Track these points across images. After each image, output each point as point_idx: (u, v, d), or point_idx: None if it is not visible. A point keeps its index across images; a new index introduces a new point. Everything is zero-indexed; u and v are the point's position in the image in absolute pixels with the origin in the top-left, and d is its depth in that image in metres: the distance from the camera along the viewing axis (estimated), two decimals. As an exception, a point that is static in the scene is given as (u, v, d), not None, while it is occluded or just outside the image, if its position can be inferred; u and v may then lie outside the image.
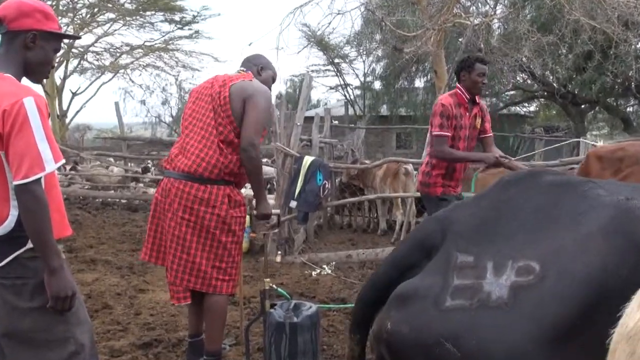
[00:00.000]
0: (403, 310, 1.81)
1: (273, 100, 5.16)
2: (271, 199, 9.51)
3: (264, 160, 12.62)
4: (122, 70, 25.22)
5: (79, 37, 2.77)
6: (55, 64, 2.30)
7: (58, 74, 23.42)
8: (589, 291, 1.57)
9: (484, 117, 4.48)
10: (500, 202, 1.94)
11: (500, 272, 1.72)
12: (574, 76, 17.42)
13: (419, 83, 23.30)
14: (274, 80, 3.61)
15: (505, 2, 16.48)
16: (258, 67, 3.53)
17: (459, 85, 4.37)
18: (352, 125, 18.10)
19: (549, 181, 1.93)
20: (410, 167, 8.12)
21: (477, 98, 4.41)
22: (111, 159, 14.40)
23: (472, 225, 1.92)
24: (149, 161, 14.36)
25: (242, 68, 3.54)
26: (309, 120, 10.53)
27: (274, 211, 3.61)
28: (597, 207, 1.73)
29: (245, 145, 3.24)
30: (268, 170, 15.02)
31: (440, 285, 1.82)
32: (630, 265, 1.57)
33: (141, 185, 12.85)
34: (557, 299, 1.59)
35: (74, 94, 25.29)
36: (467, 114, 4.33)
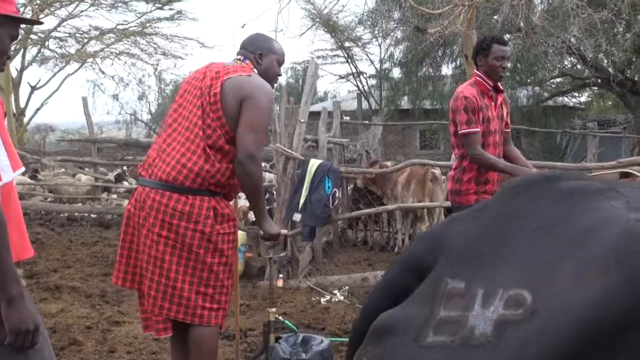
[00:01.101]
0: (380, 345, 1.84)
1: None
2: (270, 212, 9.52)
3: (262, 164, 12.64)
4: (90, 60, 25.37)
5: (41, 22, 2.75)
6: (11, 54, 2.29)
7: (14, 65, 23.58)
8: (581, 332, 1.60)
9: (507, 108, 4.58)
10: (503, 215, 1.97)
11: (488, 303, 1.75)
12: (634, 59, 17.38)
13: (447, 70, 23.35)
14: (280, 63, 3.57)
15: (549, -29, 16.51)
16: (256, 53, 3.49)
17: (477, 71, 4.42)
18: (367, 121, 18.11)
19: (565, 189, 1.96)
20: (437, 171, 8.12)
21: (500, 85, 4.46)
22: (79, 166, 14.47)
23: (468, 243, 1.95)
24: (124, 167, 14.43)
25: (238, 57, 3.52)
26: (314, 116, 10.53)
27: (282, 231, 3.63)
28: (606, 226, 1.76)
29: (243, 158, 3.24)
30: (266, 176, 15.05)
31: (424, 317, 1.86)
32: (627, 303, 1.59)
33: (114, 196, 12.90)
34: (544, 339, 1.62)
35: (33, 88, 25.48)
36: (493, 103, 4.39)
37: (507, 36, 20.52)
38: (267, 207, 11.03)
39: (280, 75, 3.61)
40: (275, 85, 3.68)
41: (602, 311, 1.63)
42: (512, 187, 2.06)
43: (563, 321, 1.64)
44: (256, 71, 3.44)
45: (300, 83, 34.21)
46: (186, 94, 3.42)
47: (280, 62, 3.57)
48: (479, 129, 4.26)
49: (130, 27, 24.31)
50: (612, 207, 1.82)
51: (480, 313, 1.76)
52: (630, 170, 4.38)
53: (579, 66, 19.87)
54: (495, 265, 1.85)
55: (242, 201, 11.10)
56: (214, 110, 3.28)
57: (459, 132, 4.30)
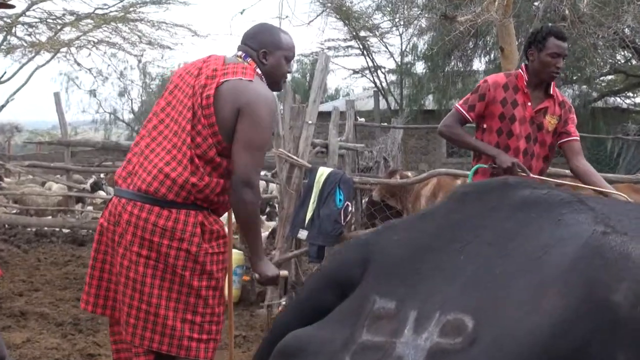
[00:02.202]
0: None
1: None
2: (271, 229, 9.52)
3: (262, 173, 12.67)
4: (64, 49, 25.44)
5: (12, 6, 2.72)
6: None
7: (-24, 55, 23.69)
8: None
9: (567, 116, 4.49)
10: (449, 226, 1.97)
11: (422, 328, 1.73)
12: (698, 54, 17.34)
13: (479, 65, 23.35)
14: (288, 59, 3.52)
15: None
16: (259, 51, 3.44)
17: (523, 65, 4.44)
18: (385, 123, 18.14)
19: (522, 198, 1.96)
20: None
21: (552, 87, 4.42)
22: (49, 172, 14.53)
23: (403, 256, 1.95)
24: (101, 175, 14.48)
25: (239, 53, 3.47)
26: (324, 117, 10.54)
27: (282, 273, 3.64)
28: (567, 242, 1.75)
29: (237, 183, 3.24)
30: (268, 187, 15.06)
31: (342, 340, 1.85)
32: (587, 328, 1.56)
33: (90, 208, 12.96)
34: None
35: (-2, 82, 25.61)
36: (528, 103, 4.37)
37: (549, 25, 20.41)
38: (269, 223, 11.00)
39: (290, 72, 3.58)
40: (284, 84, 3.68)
41: (556, 339, 1.58)
42: (462, 192, 2.06)
43: (508, 352, 1.58)
44: (260, 72, 3.41)
45: (308, 78, 34.24)
46: (177, 91, 3.40)
47: (289, 58, 3.52)
48: (464, 113, 4.41)
49: (111, 11, 24.37)
50: (576, 222, 1.80)
51: (411, 340, 1.71)
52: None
53: (633, 61, 19.84)
54: (434, 283, 1.82)
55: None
56: (205, 116, 3.26)
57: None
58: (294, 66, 34.09)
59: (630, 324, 1.52)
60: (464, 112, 4.42)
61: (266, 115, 3.28)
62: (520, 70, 4.43)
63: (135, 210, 3.25)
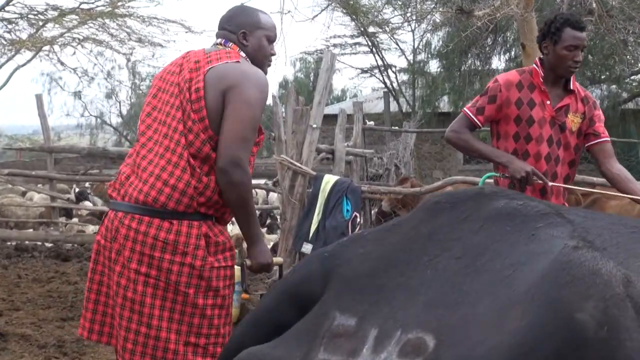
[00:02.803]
0: None
1: (274, 90, 5.17)
2: (274, 241, 9.52)
3: (262, 182, 12.66)
4: (46, 48, 25.52)
5: None
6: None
7: (-49, 54, 23.75)
8: None
9: (592, 114, 4.33)
10: (416, 238, 2.00)
11: (381, 347, 1.76)
12: None
13: (498, 63, 23.37)
14: (270, 39, 3.52)
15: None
16: (238, 33, 3.45)
17: (537, 59, 4.30)
18: (396, 127, 18.14)
19: (496, 210, 1.98)
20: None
21: (572, 82, 4.28)
22: (31, 181, 14.55)
23: (367, 270, 1.97)
24: (87, 184, 14.50)
25: (218, 40, 3.49)
26: (330, 120, 10.54)
27: (275, 259, 3.60)
28: (538, 258, 1.76)
29: (224, 164, 3.22)
30: (269, 197, 15.05)
31: (298, 359, 1.87)
32: (551, 349, 1.57)
33: (75, 220, 12.96)
34: None
35: (-25, 84, 25.67)
36: (547, 102, 4.23)
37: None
38: (270, 236, 11.00)
39: (273, 54, 3.57)
40: (279, 80, 3.68)
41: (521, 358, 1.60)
42: (434, 202, 2.07)
43: None
44: (244, 55, 3.42)
45: (312, 78, 34.27)
46: (161, 94, 3.40)
47: (271, 39, 3.52)
48: (472, 116, 4.26)
49: (97, 6, 24.42)
50: (550, 236, 1.81)
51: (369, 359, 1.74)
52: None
53: (667, 59, 19.82)
54: (398, 299, 1.84)
55: (237, 227, 11.05)
56: (195, 110, 3.26)
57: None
58: (297, 65, 34.25)
59: (596, 344, 1.53)
60: (472, 116, 4.27)
61: (255, 91, 3.27)
62: (534, 65, 4.27)
63: (134, 223, 3.23)
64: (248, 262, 3.45)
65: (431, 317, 1.73)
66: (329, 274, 1.97)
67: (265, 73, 3.55)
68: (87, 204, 13.37)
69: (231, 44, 3.44)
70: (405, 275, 1.87)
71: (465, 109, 4.33)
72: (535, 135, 4.21)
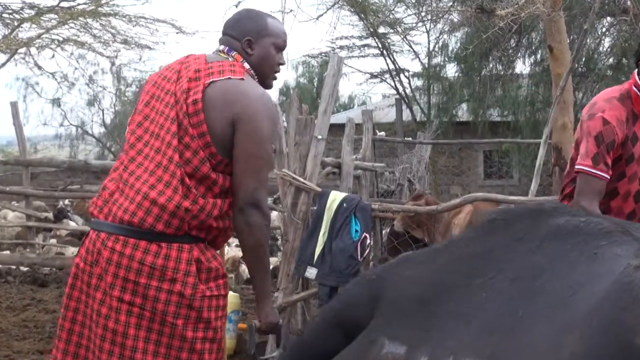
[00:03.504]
0: None
1: (275, 97, 5.17)
2: (274, 264, 9.51)
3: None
4: (22, 50, 25.60)
5: None
6: None
7: None
8: None
9: None
10: (470, 259, 2.02)
11: None
12: None
13: (522, 67, 23.43)
14: (279, 48, 3.52)
15: None
16: (243, 40, 3.45)
17: (636, 79, 4.01)
18: (410, 138, 18.16)
19: (556, 227, 1.99)
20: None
21: None
22: (4, 198, 14.55)
23: (417, 294, 2.00)
24: (67, 201, 14.50)
25: (221, 47, 3.50)
26: (336, 130, 10.56)
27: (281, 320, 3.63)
28: (600, 279, 1.77)
29: (244, 204, 3.27)
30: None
31: None
32: None
33: (53, 241, 12.95)
34: None
35: (-57, 90, 25.71)
36: None
37: (608, 20, 20.55)
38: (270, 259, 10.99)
39: (282, 64, 3.58)
40: (280, 86, 3.68)
41: None
42: (488, 220, 2.09)
43: None
44: (247, 66, 3.43)
45: (317, 84, 34.37)
46: (154, 101, 3.40)
47: (280, 47, 3.52)
48: (605, 176, 3.88)
49: (79, 4, 24.50)
50: (614, 255, 1.82)
51: None
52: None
53: None
54: (449, 325, 1.86)
55: (233, 249, 11.04)
56: (194, 125, 3.25)
57: (576, 165, 3.98)
58: (299, 69, 34.31)
59: None
60: (600, 174, 3.88)
61: (267, 123, 3.31)
62: (634, 87, 4.00)
63: (118, 245, 3.22)
64: (257, 322, 3.48)
65: (485, 344, 1.75)
66: (376, 298, 2.00)
67: (270, 86, 3.58)
68: (68, 223, 13.36)
69: (235, 53, 3.45)
70: (457, 299, 1.89)
71: (590, 170, 3.88)
72: (630, 172, 4.03)
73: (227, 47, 3.47)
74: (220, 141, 3.26)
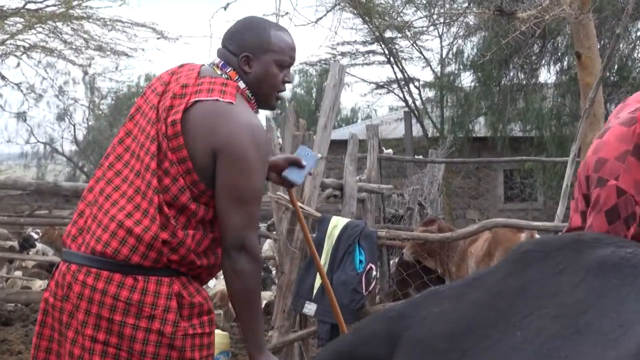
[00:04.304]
0: None
1: (267, 111, 5.17)
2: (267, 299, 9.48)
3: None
4: (-16, 58, 25.69)
5: None
6: None
7: None
8: None
9: None
10: (505, 293, 2.03)
11: None
12: None
13: (547, 76, 23.50)
14: (282, 65, 3.45)
15: None
16: (240, 56, 3.41)
17: None
18: (420, 156, 18.19)
19: (601, 259, 2.00)
20: (537, 237, 8.10)
21: None
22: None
23: (445, 331, 2.01)
24: (33, 229, 14.48)
25: (216, 60, 3.46)
26: (338, 147, 10.57)
27: None
28: None
29: (229, 248, 3.26)
30: (263, 245, 15.01)
31: None
32: None
33: (18, 273, 12.94)
34: None
35: None
36: None
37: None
38: (263, 293, 10.98)
39: (287, 82, 3.53)
40: (279, 101, 3.64)
41: None
42: (523, 251, 2.10)
43: None
44: (243, 86, 3.39)
45: (315, 95, 34.45)
46: (139, 116, 3.40)
47: (283, 64, 3.46)
48: None
49: (47, 6, 24.58)
50: None
51: None
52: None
53: None
54: None
55: (222, 282, 11.01)
56: (173, 149, 3.24)
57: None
58: (297, 78, 34.38)
59: None
60: None
61: (254, 153, 3.24)
62: None
63: (90, 279, 3.22)
64: None
65: None
66: (397, 336, 2.00)
67: (272, 107, 3.57)
68: (36, 253, 13.35)
69: (230, 69, 3.41)
70: (491, 338, 1.90)
71: None
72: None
73: (222, 62, 3.44)
74: (204, 169, 3.24)
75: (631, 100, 3.94)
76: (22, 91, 28.20)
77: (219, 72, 3.41)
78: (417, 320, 2.08)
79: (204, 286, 3.54)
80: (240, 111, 3.29)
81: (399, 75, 27.42)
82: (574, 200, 3.71)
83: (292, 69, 3.57)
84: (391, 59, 27.00)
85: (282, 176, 3.85)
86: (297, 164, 3.85)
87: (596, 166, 3.55)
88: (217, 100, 3.26)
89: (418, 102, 27.51)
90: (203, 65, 3.47)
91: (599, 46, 11.34)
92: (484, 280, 2.10)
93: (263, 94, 3.44)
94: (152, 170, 3.24)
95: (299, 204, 6.81)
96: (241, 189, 3.25)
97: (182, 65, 3.48)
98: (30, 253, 13.70)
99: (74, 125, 36.94)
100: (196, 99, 3.26)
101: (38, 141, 36.64)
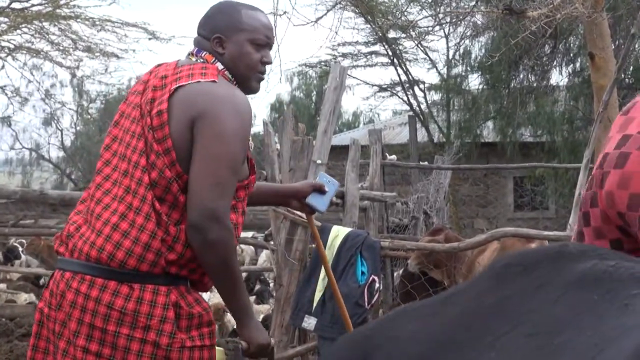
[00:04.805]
0: None
1: (265, 114, 5.18)
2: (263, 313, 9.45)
3: (250, 235, 12.65)
4: (-34, 59, 25.70)
5: None
6: None
7: None
8: None
9: None
10: (481, 311, 2.03)
11: None
12: None
13: (559, 78, 23.48)
14: (256, 44, 3.46)
15: None
16: (212, 39, 3.44)
17: None
18: (426, 163, 18.20)
19: (582, 273, 2.00)
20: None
21: None
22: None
23: (418, 352, 2.01)
24: (17, 239, 14.49)
25: (192, 49, 3.52)
26: (338, 153, 10.58)
27: (273, 340, 3.61)
28: (629, 333, 1.79)
29: (196, 218, 3.22)
30: (260, 256, 15.06)
31: None
32: None
33: (3, 286, 12.94)
34: None
35: None
36: None
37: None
38: (260, 306, 10.98)
39: (266, 63, 3.53)
40: (271, 101, 3.64)
41: None
42: (502, 265, 2.09)
43: None
44: (221, 66, 3.42)
45: (315, 99, 34.48)
46: (123, 120, 3.43)
47: (258, 42, 3.47)
48: None
49: (33, 5, 24.61)
50: None
51: None
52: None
53: None
54: None
55: (217, 296, 10.99)
56: (158, 140, 3.26)
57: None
58: (295, 80, 34.32)
59: None
60: None
61: (231, 118, 3.25)
62: None
63: (83, 286, 3.23)
64: (243, 344, 3.45)
65: None
66: (369, 357, 2.00)
67: (253, 89, 3.56)
68: (21, 265, 13.35)
69: (205, 53, 3.46)
70: (465, 358, 1.90)
71: None
72: None
73: (196, 48, 3.49)
74: (185, 154, 3.25)
75: (637, 113, 3.84)
76: (6, 94, 28.25)
77: (194, 59, 3.45)
78: (389, 339, 2.08)
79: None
80: (222, 85, 3.34)
81: (403, 78, 27.51)
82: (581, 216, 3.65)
83: (291, 72, 3.59)
84: (395, 60, 27.04)
85: (306, 202, 3.95)
86: (320, 190, 3.93)
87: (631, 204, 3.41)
88: (198, 82, 3.30)
89: (423, 106, 27.58)
90: (179, 59, 3.51)
91: (613, 47, 11.35)
92: (459, 296, 2.10)
93: (240, 74, 3.46)
94: (142, 166, 3.26)
95: (297, 212, 6.82)
96: (214, 154, 3.23)
97: (159, 65, 3.52)
98: (14, 265, 13.72)
99: (61, 131, 36.97)
100: (177, 86, 3.29)
101: (23, 147, 36.73)
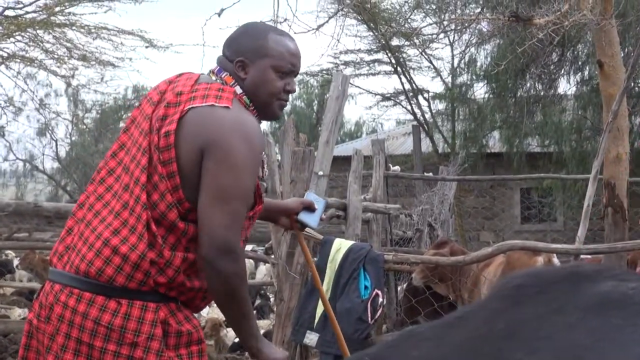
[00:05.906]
0: None
1: (265, 125, 5.19)
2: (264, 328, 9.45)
3: (250, 247, 12.66)
4: (-41, 68, 25.73)
5: None
6: None
7: None
8: None
9: None
10: (492, 336, 2.00)
11: None
12: None
13: (567, 86, 23.46)
14: (280, 71, 3.44)
15: None
16: (235, 61, 3.43)
17: None
18: (430, 174, 18.17)
19: (601, 296, 1.98)
20: (556, 261, 8.09)
21: None
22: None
23: None
24: (10, 253, 14.49)
25: (214, 67, 3.50)
26: (341, 164, 10.58)
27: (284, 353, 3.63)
28: None
29: (208, 251, 3.22)
30: (259, 269, 15.09)
31: None
32: None
33: (-4, 301, 12.96)
34: None
35: None
36: None
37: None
38: (261, 322, 10.98)
39: (289, 91, 3.52)
40: (284, 109, 3.62)
41: None
42: (514, 285, 2.07)
43: None
44: (239, 90, 3.41)
45: (317, 108, 34.48)
46: (133, 128, 3.43)
47: (282, 70, 3.46)
48: None
49: (27, 12, 24.62)
50: None
51: None
52: None
53: None
54: None
55: (214, 309, 10.96)
56: (164, 162, 3.25)
57: None
58: (297, 89, 34.53)
59: None
60: None
61: (244, 149, 3.24)
62: None
63: (71, 300, 3.24)
64: None
65: None
66: None
67: (276, 116, 3.57)
68: (13, 278, 13.36)
69: (225, 74, 3.44)
70: None
71: None
72: None
73: (218, 67, 3.47)
74: (190, 184, 3.24)
75: None
76: (0, 104, 28.22)
77: (214, 78, 3.44)
78: None
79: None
80: (235, 113, 3.30)
81: (407, 86, 27.46)
82: None
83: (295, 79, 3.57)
84: (398, 68, 27.02)
85: (298, 219, 4.05)
86: (310, 207, 4.02)
87: None
88: (212, 105, 3.28)
89: (427, 115, 27.55)
90: (202, 74, 3.49)
91: (622, 54, 11.34)
92: (468, 319, 2.07)
93: (261, 101, 3.45)
94: (142, 184, 3.25)
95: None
96: (225, 184, 3.22)
97: (180, 74, 3.50)
98: (8, 279, 13.72)
99: (55, 141, 36.92)
100: (190, 106, 3.27)
101: (17, 158, 36.69)
